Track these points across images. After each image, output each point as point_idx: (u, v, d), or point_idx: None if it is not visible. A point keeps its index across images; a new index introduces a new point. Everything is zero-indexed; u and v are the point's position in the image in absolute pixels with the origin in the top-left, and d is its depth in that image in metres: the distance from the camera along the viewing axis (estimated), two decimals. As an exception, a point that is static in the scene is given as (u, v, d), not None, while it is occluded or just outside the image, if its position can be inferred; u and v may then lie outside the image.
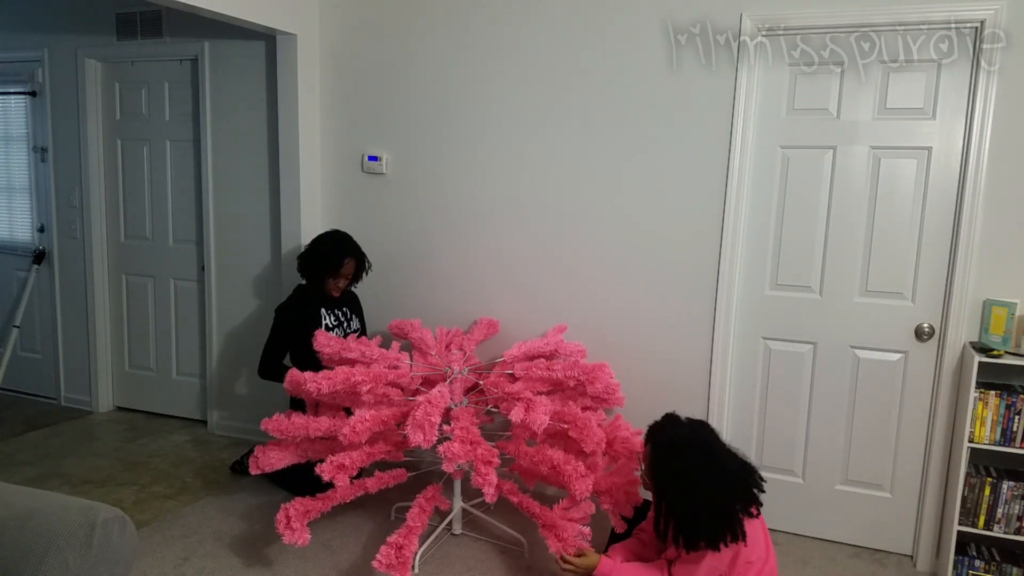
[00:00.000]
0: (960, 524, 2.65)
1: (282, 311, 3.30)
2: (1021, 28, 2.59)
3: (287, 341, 3.29)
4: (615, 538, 2.49)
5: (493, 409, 2.89)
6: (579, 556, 2.33)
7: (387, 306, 3.66)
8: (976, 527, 2.63)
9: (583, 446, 2.59)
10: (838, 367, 2.98)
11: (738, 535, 2.05)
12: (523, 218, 3.36)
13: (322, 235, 3.35)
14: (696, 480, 2.07)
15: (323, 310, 3.31)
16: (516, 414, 2.54)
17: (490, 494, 2.41)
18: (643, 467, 2.27)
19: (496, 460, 2.44)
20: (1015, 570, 2.63)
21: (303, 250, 3.35)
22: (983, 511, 2.62)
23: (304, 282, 3.34)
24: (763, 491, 2.15)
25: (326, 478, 2.53)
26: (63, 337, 4.46)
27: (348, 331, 3.40)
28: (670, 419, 2.28)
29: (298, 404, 3.19)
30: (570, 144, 3.23)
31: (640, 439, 2.91)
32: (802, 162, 2.94)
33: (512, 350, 3.05)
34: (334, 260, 3.24)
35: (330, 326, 3.32)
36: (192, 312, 4.19)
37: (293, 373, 2.82)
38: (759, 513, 2.15)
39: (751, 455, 2.47)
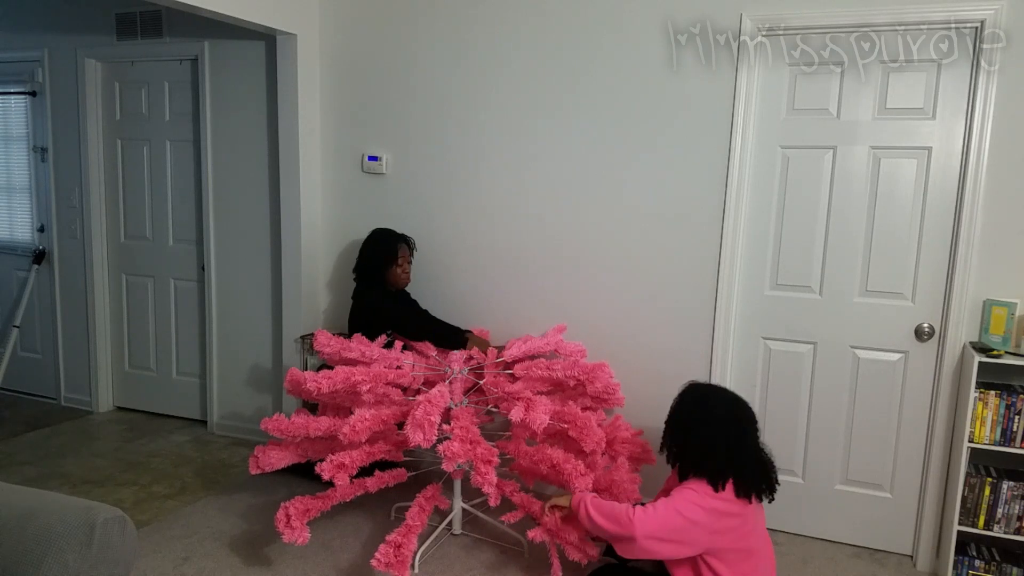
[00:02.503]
0: (960, 524, 2.65)
1: (374, 301, 3.26)
2: (1021, 28, 2.59)
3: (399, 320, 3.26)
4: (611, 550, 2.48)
5: (493, 409, 2.89)
6: (556, 507, 2.44)
7: (387, 306, 3.66)
8: (976, 527, 2.63)
9: (583, 445, 2.59)
10: (838, 367, 2.98)
11: (727, 480, 2.12)
12: (523, 218, 3.36)
13: (368, 237, 3.36)
14: (726, 418, 2.21)
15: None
16: (516, 414, 2.54)
17: (492, 495, 2.41)
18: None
19: (496, 459, 2.44)
20: (1015, 570, 2.63)
21: (359, 257, 3.33)
22: (983, 511, 2.62)
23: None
24: (774, 488, 2.20)
25: (326, 477, 2.53)
26: (63, 337, 4.46)
27: None
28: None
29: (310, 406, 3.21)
30: (569, 143, 3.23)
31: (641, 439, 2.93)
32: (802, 162, 2.94)
33: (512, 350, 3.05)
34: (390, 246, 3.28)
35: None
36: (192, 312, 4.19)
37: (293, 372, 2.82)
38: (759, 501, 2.18)
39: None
